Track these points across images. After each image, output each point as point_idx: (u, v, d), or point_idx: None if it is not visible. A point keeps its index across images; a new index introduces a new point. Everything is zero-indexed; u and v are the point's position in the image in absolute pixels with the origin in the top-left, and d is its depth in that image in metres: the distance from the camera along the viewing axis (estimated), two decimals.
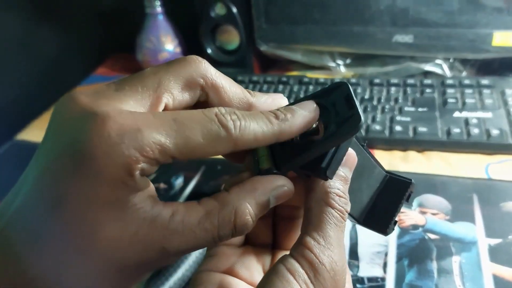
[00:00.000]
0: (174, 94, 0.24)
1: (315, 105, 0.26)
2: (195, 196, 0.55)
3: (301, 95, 0.67)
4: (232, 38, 0.77)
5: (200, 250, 0.43)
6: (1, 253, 0.21)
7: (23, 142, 0.69)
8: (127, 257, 0.22)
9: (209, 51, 0.78)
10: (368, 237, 0.47)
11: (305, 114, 0.25)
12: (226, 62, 0.79)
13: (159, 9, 0.79)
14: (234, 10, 0.74)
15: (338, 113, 0.25)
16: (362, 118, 0.24)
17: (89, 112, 0.21)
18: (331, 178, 0.25)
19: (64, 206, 0.21)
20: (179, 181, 0.57)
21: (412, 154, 0.58)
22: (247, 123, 0.23)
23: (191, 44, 0.82)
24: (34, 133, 0.71)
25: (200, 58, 0.25)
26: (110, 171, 0.20)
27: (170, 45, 0.81)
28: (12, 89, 0.82)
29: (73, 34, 0.93)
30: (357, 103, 0.25)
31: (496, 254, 0.44)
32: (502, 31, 0.65)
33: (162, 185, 0.57)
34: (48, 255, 0.21)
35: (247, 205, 0.24)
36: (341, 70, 0.75)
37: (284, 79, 0.71)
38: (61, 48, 0.92)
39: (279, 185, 0.25)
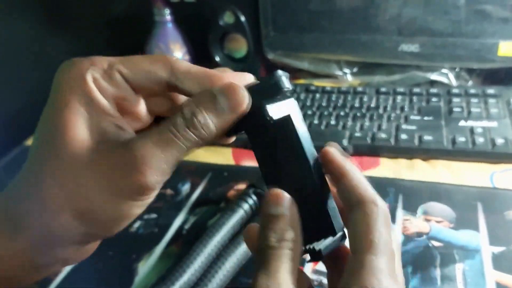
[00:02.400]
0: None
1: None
2: (201, 202, 0.56)
3: (308, 103, 0.68)
4: (240, 46, 0.79)
5: (206, 255, 0.43)
6: None
7: None
8: (93, 162, 0.25)
9: (217, 58, 0.80)
10: None
11: (236, 73, 0.29)
12: (234, 70, 0.79)
13: (168, 17, 0.81)
14: (242, 18, 0.75)
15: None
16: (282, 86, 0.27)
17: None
18: None
19: (41, 121, 0.27)
20: (185, 187, 0.58)
21: (417, 162, 0.59)
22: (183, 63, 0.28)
23: (200, 52, 0.83)
24: None
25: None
26: (68, 80, 0.26)
27: (178, 53, 0.82)
28: (22, 95, 0.83)
29: (82, 41, 0.94)
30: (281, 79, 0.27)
31: (499, 262, 0.44)
32: (508, 41, 0.65)
33: (168, 191, 0.58)
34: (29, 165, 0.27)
35: (193, 98, 0.27)
36: (348, 78, 0.76)
37: (291, 86, 0.72)
38: (71, 55, 0.93)
39: (228, 84, 0.27)
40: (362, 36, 0.71)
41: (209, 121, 0.26)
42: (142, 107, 0.29)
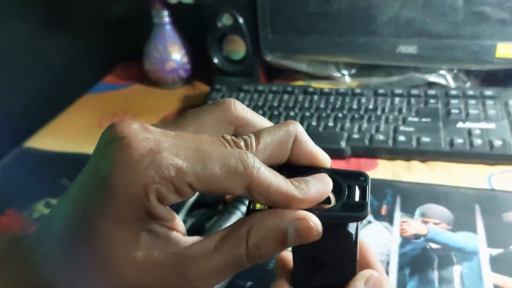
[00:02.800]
0: (210, 132, 0.25)
1: (329, 179, 0.26)
2: (198, 205, 0.56)
3: (306, 105, 0.68)
4: (238, 48, 0.79)
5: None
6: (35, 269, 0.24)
7: (31, 149, 0.70)
8: (142, 280, 0.23)
9: (215, 60, 0.79)
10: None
11: (319, 186, 0.25)
12: (232, 72, 0.80)
13: (166, 19, 0.81)
14: (241, 20, 0.75)
15: (349, 197, 0.26)
16: (367, 215, 0.25)
17: (115, 138, 0.23)
18: None
19: (87, 227, 0.22)
20: None
21: (415, 164, 0.59)
22: (266, 170, 0.24)
23: (198, 54, 0.83)
24: (42, 140, 0.72)
25: (233, 100, 0.27)
26: (127, 190, 0.21)
27: (177, 55, 0.82)
28: (21, 96, 0.83)
29: (82, 43, 0.94)
30: (369, 199, 0.26)
31: (497, 264, 0.44)
32: (506, 43, 0.65)
33: None
34: (70, 270, 0.23)
35: (261, 227, 0.24)
36: (346, 80, 0.76)
37: (289, 88, 0.72)
38: (70, 56, 0.94)
39: (301, 217, 0.24)
40: (360, 38, 0.71)
41: (271, 254, 0.24)
42: None
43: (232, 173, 0.23)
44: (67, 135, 0.73)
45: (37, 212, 0.56)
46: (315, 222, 0.24)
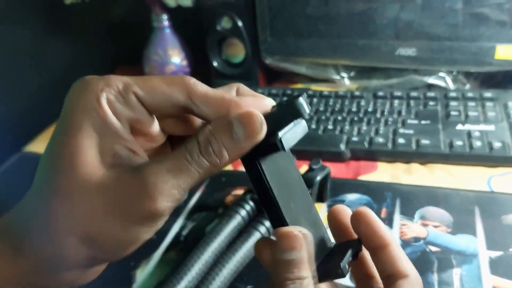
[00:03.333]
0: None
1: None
2: (199, 208, 0.56)
3: None
4: (238, 51, 0.79)
5: (203, 262, 0.43)
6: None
7: (31, 154, 0.71)
8: (104, 190, 0.25)
9: (215, 64, 0.80)
10: None
11: (255, 98, 0.28)
12: (232, 75, 0.80)
13: (166, 22, 0.81)
14: (240, 23, 0.75)
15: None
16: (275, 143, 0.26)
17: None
18: None
19: (51, 142, 0.26)
20: None
21: (415, 166, 0.59)
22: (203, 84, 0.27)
23: (198, 57, 0.83)
24: (42, 145, 0.72)
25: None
26: (82, 101, 0.25)
27: (177, 58, 0.82)
28: (21, 101, 0.84)
29: (82, 47, 0.94)
30: (304, 101, 0.26)
31: (496, 267, 0.44)
32: (505, 45, 0.65)
33: None
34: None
35: (210, 126, 0.26)
36: (346, 82, 0.76)
37: (289, 91, 0.72)
38: (70, 60, 0.94)
39: (244, 111, 0.26)
40: (359, 41, 0.71)
41: (224, 150, 0.25)
42: (156, 128, 0.29)
43: (172, 83, 0.26)
44: None
45: None
46: (258, 114, 0.26)
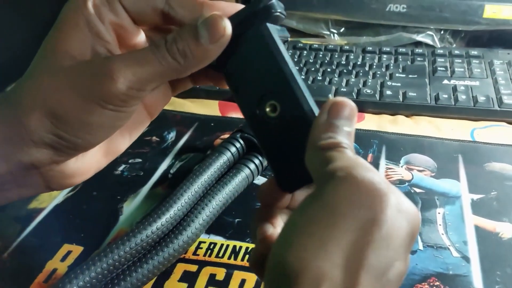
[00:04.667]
0: None
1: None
2: (186, 150, 0.56)
3: (295, 59, 0.68)
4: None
5: (193, 192, 0.43)
6: None
7: None
8: (75, 66, 0.27)
9: None
10: None
11: None
12: None
13: None
14: None
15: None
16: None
17: None
18: None
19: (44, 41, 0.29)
20: (171, 135, 0.58)
21: (401, 118, 0.60)
22: None
23: None
24: None
25: None
26: (71, 4, 0.28)
27: None
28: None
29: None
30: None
31: (478, 208, 0.45)
32: (493, 4, 0.66)
33: (154, 138, 0.57)
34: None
35: (179, 29, 0.28)
36: (335, 38, 0.76)
37: None
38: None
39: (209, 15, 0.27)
40: None
41: (187, 49, 0.27)
42: (141, 39, 0.31)
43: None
44: None
45: None
46: (222, 17, 0.27)
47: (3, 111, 0.28)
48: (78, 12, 0.27)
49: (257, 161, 0.48)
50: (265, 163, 0.49)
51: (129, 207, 0.47)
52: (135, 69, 0.26)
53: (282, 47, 0.28)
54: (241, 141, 0.49)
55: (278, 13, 0.27)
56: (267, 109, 0.28)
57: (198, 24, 0.27)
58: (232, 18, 0.27)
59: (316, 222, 0.22)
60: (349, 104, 0.25)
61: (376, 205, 0.22)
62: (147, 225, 0.40)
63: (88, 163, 0.31)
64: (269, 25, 0.28)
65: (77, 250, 0.43)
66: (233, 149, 0.48)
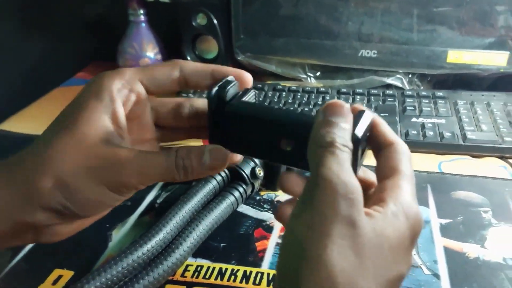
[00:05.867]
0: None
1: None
2: (172, 182, 0.58)
3: (275, 99, 0.73)
4: (211, 48, 0.83)
5: (181, 217, 0.46)
6: None
7: (3, 131, 0.71)
8: (88, 153, 0.31)
9: (188, 58, 0.83)
10: None
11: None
12: None
13: (142, 17, 0.84)
14: (215, 21, 0.79)
15: None
16: None
17: None
18: None
19: (63, 111, 0.33)
20: None
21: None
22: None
23: (172, 52, 0.87)
24: (14, 124, 0.74)
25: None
26: (96, 87, 0.32)
27: (151, 52, 0.85)
28: None
29: (60, 41, 0.96)
30: None
31: (446, 231, 0.49)
32: (456, 50, 0.73)
33: None
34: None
35: (189, 148, 0.33)
36: (312, 81, 0.81)
37: (260, 85, 0.77)
38: (46, 53, 0.96)
39: (215, 147, 0.33)
40: (326, 42, 0.77)
41: (190, 167, 0.32)
42: (148, 118, 0.37)
43: (167, 64, 0.34)
44: (39, 120, 0.74)
45: None
46: (225, 152, 0.33)
47: (16, 172, 0.31)
48: (101, 95, 0.32)
49: (241, 189, 0.51)
50: (248, 191, 0.52)
51: (118, 234, 0.49)
52: (146, 169, 0.31)
53: (252, 104, 0.34)
54: (226, 171, 0.52)
55: (218, 94, 0.33)
56: (285, 148, 0.33)
57: (204, 151, 0.32)
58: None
59: (311, 229, 0.25)
60: (343, 104, 0.29)
61: (353, 210, 0.25)
62: (138, 246, 0.42)
63: (75, 226, 0.34)
64: (230, 104, 0.33)
65: (67, 274, 0.44)
66: (218, 178, 0.51)
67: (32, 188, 0.30)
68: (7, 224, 0.31)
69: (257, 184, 0.53)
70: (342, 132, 0.28)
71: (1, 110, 0.78)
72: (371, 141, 0.31)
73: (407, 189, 0.28)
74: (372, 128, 0.31)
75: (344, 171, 0.26)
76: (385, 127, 0.31)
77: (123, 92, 0.33)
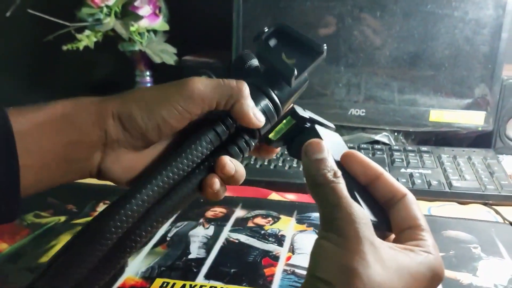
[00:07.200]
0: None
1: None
2: (181, 218, 0.61)
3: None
4: None
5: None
6: None
7: None
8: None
9: None
10: None
11: None
12: None
13: (148, 78, 0.91)
14: None
15: None
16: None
17: None
18: None
19: None
20: None
21: None
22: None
23: None
24: None
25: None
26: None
27: None
28: None
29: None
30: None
31: None
32: (437, 109, 0.80)
33: None
34: None
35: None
36: None
37: None
38: None
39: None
40: (317, 101, 0.84)
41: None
42: None
43: (221, 84, 0.39)
44: None
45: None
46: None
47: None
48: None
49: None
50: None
51: (133, 261, 0.52)
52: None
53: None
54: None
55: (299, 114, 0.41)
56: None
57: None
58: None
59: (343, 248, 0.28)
60: (318, 141, 0.34)
61: (371, 232, 0.29)
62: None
63: (132, 160, 0.38)
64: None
65: None
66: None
67: (108, 106, 0.36)
68: (97, 133, 0.36)
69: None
70: (330, 163, 0.32)
71: None
72: (379, 191, 0.34)
73: (432, 243, 0.33)
74: (379, 181, 0.35)
75: (347, 199, 0.30)
76: (393, 180, 0.34)
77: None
